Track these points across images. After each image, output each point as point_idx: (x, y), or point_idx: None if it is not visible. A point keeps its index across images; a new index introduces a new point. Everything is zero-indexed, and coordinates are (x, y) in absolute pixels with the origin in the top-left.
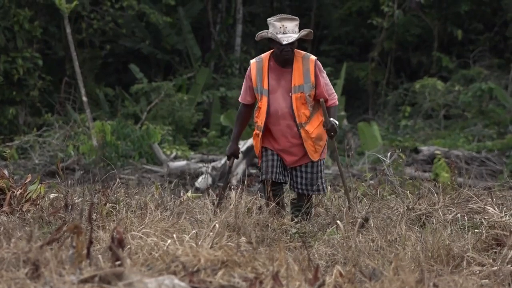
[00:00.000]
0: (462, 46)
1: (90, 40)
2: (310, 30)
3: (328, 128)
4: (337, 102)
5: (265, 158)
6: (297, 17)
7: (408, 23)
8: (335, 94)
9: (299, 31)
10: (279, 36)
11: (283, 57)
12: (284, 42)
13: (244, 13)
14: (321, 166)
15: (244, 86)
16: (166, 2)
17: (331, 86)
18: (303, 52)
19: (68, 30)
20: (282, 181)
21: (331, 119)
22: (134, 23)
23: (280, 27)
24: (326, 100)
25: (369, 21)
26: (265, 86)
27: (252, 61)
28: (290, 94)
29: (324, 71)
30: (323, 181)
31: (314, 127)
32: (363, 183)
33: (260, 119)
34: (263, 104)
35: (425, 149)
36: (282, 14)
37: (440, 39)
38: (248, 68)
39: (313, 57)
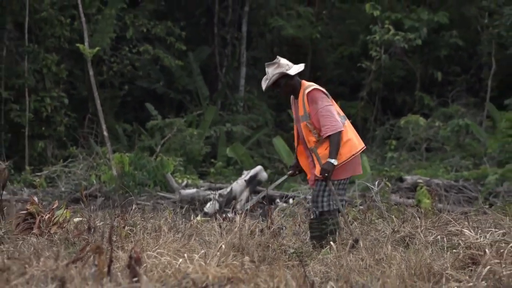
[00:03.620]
0: (442, 86)
1: (111, 81)
2: (279, 72)
3: (318, 174)
4: (331, 132)
5: None
6: (275, 60)
7: (394, 66)
8: (330, 126)
9: (276, 73)
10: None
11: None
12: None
13: (247, 57)
14: (323, 186)
15: None
16: (178, 47)
17: (329, 118)
18: (308, 84)
19: (91, 72)
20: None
21: (328, 159)
22: (149, 66)
23: (266, 73)
24: (320, 134)
25: (359, 64)
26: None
27: None
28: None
29: (320, 102)
30: (324, 200)
31: (323, 150)
32: (353, 209)
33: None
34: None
35: (409, 178)
36: (270, 61)
37: (422, 80)
38: None
39: (308, 89)
